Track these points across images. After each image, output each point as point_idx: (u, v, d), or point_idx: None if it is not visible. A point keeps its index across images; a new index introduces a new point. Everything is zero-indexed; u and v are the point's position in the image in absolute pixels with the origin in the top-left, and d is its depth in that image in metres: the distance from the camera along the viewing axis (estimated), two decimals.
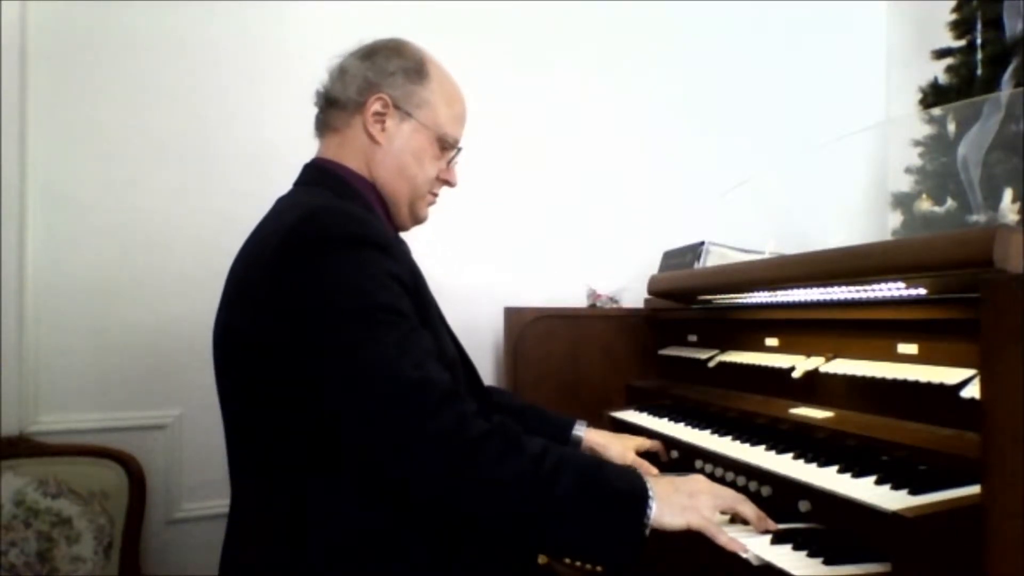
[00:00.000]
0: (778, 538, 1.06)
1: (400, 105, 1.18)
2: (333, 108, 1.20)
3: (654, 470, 1.41)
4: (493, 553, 1.03)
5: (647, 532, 0.93)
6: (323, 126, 1.23)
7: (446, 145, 1.24)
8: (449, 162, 1.27)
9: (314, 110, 1.21)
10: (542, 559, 1.07)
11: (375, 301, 0.94)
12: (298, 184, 1.22)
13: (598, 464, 1.00)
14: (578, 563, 1.08)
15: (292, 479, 0.98)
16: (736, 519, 1.08)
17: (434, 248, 1.82)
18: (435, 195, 1.28)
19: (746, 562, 1.03)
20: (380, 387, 0.89)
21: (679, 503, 0.99)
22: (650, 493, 0.95)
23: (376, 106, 1.17)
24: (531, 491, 0.90)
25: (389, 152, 1.18)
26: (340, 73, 1.21)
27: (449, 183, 1.29)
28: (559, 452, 0.96)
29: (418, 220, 1.27)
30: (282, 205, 1.14)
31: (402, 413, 0.89)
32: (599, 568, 1.03)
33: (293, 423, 0.97)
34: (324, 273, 0.94)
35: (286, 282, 0.95)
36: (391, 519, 0.96)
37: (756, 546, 1.01)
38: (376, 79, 1.18)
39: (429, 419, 0.89)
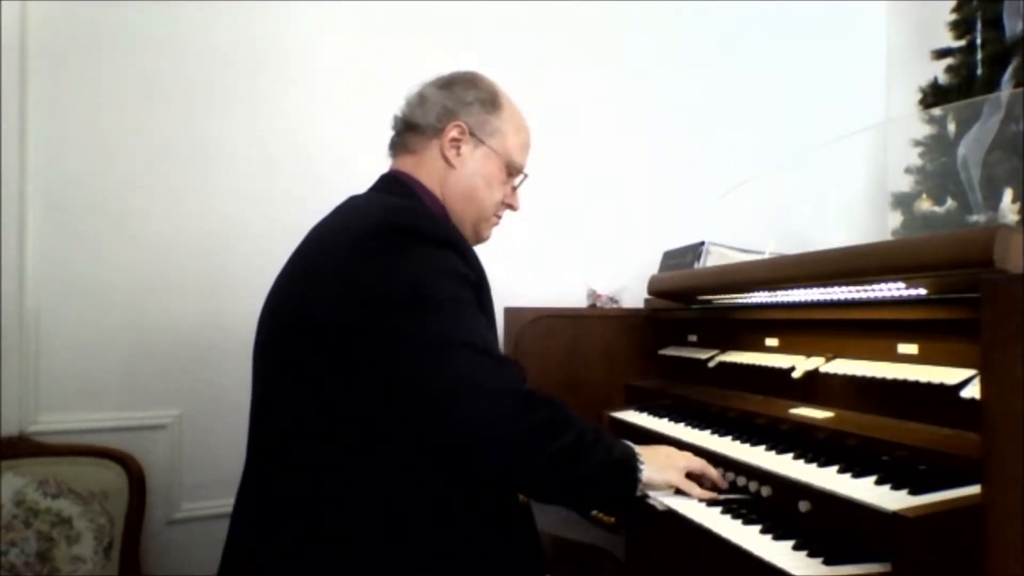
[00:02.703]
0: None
1: (475, 132, 1.28)
2: (411, 132, 1.29)
3: None
4: (505, 559, 1.10)
5: (640, 488, 1.16)
6: (399, 147, 1.32)
7: (513, 171, 1.34)
8: (515, 187, 1.37)
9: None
10: None
11: (453, 291, 1.04)
12: (374, 189, 1.29)
13: (607, 434, 1.15)
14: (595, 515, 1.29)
15: (332, 460, 1.02)
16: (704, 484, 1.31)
17: None
18: (499, 218, 1.38)
19: (745, 559, 1.05)
20: (465, 354, 0.99)
21: (659, 463, 1.22)
22: (640, 459, 1.16)
23: (453, 132, 1.26)
24: (577, 462, 1.06)
25: (462, 175, 1.27)
26: (420, 101, 1.30)
27: (512, 207, 1.39)
28: (591, 431, 1.11)
29: (480, 240, 1.36)
30: (361, 203, 1.21)
31: (493, 375, 1.00)
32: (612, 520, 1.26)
33: (353, 399, 1.02)
34: (414, 261, 1.03)
35: (375, 265, 1.02)
36: (424, 503, 1.02)
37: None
38: (455, 107, 1.27)
39: (512, 389, 1.00)
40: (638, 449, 1.18)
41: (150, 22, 1.98)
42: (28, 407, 1.85)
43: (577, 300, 2.36)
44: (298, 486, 1.05)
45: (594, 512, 1.22)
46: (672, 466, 1.24)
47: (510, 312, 2.14)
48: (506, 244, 2.43)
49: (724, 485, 1.31)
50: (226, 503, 1.90)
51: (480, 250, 2.51)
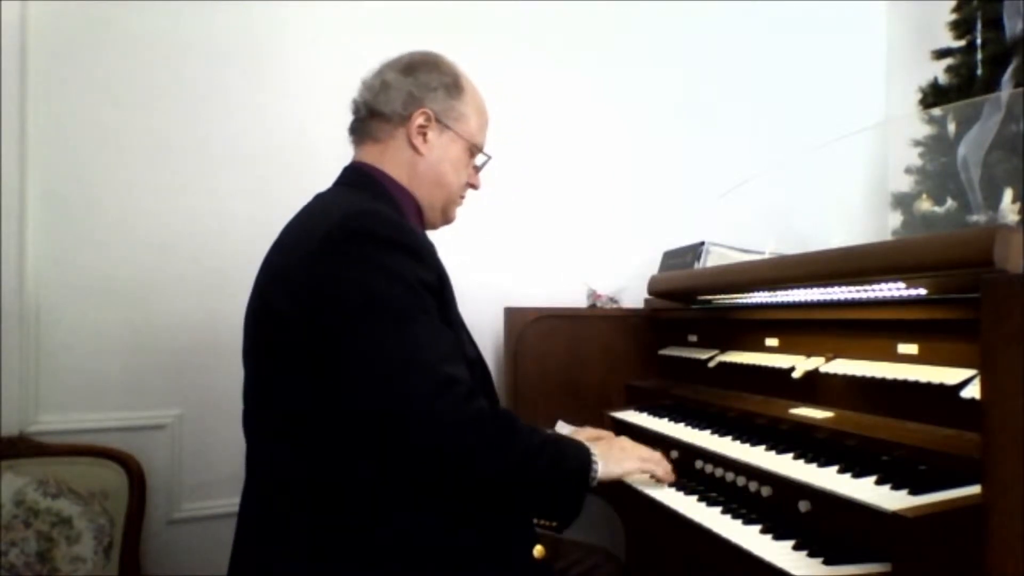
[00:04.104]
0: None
1: (441, 119, 1.28)
2: (376, 119, 1.28)
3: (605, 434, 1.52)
4: (496, 541, 1.11)
5: (590, 487, 1.15)
6: (363, 134, 1.30)
7: (474, 153, 1.35)
8: (477, 168, 1.38)
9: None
10: (538, 551, 1.14)
11: (408, 300, 1.03)
12: (339, 184, 1.28)
13: (561, 444, 1.16)
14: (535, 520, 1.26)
15: (317, 458, 1.04)
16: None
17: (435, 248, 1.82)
18: (463, 198, 1.39)
19: (745, 559, 1.05)
20: (410, 377, 0.99)
21: (615, 456, 1.24)
22: (594, 458, 1.15)
23: (420, 119, 1.26)
24: (521, 472, 1.06)
25: (430, 162, 1.28)
26: (383, 87, 1.28)
27: (474, 186, 1.40)
28: (541, 437, 1.11)
29: (448, 221, 1.38)
30: (325, 202, 1.21)
31: (434, 400, 0.99)
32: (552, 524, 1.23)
33: (320, 401, 1.03)
34: (366, 266, 1.03)
35: (329, 269, 1.03)
36: (405, 498, 1.03)
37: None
38: (420, 94, 1.27)
39: (455, 407, 1.00)
40: (593, 448, 1.19)
41: (150, 22, 1.98)
42: (28, 407, 1.85)
43: (577, 300, 2.36)
44: (273, 481, 1.09)
45: (536, 520, 1.22)
46: (628, 457, 1.27)
47: (510, 312, 2.14)
48: (506, 244, 2.45)
49: (672, 479, 1.37)
50: (226, 503, 1.92)
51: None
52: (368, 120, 1.29)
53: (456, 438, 1.00)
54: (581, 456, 1.15)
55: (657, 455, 1.35)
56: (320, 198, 1.24)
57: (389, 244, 1.05)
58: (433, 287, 1.09)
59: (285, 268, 1.10)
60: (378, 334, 1.00)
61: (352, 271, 1.02)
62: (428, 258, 1.10)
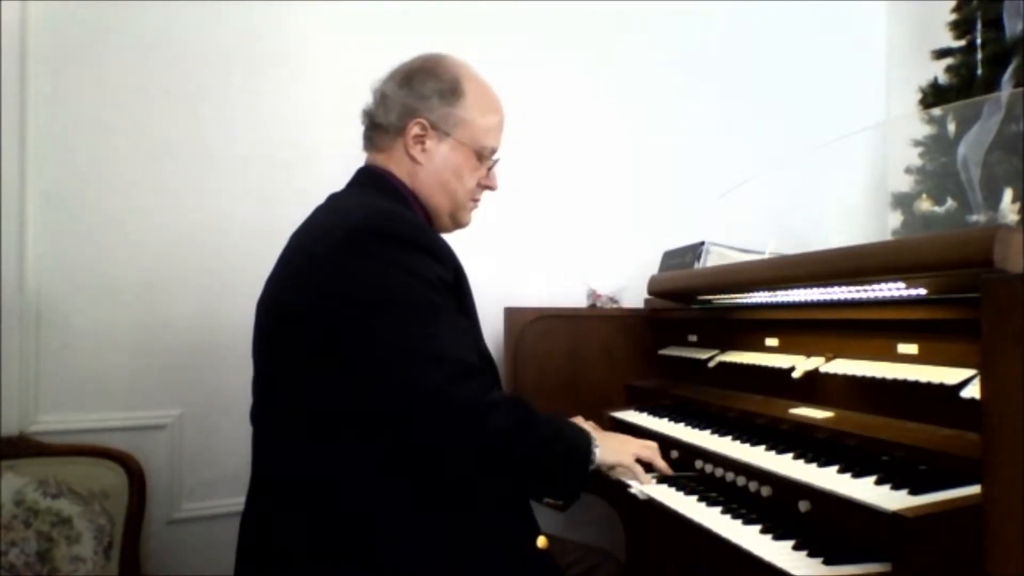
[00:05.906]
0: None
1: (438, 126, 1.27)
2: (377, 131, 1.30)
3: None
4: (500, 536, 1.13)
5: (590, 470, 1.22)
6: (370, 143, 1.33)
7: (484, 155, 1.33)
8: (489, 169, 1.36)
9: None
10: (542, 542, 1.18)
11: (427, 297, 1.06)
12: (352, 184, 1.30)
13: (568, 427, 1.23)
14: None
15: (324, 454, 1.05)
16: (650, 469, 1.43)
17: None
18: (476, 201, 1.38)
19: (745, 559, 1.05)
20: (432, 369, 1.02)
21: (612, 447, 1.31)
22: (594, 443, 1.22)
23: (415, 130, 1.26)
24: (542, 455, 1.11)
25: (430, 170, 1.28)
26: (381, 99, 1.30)
27: (490, 188, 1.38)
28: (550, 425, 1.16)
29: (460, 225, 1.37)
30: (341, 201, 1.23)
31: (456, 390, 1.02)
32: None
33: (332, 397, 1.05)
34: (386, 265, 1.05)
35: (350, 267, 1.05)
36: (414, 494, 1.06)
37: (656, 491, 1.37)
38: (414, 104, 1.26)
39: (476, 396, 1.04)
40: (594, 433, 1.26)
41: (150, 22, 1.98)
42: (28, 407, 1.85)
43: (577, 300, 2.36)
44: (279, 476, 1.11)
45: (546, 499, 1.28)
46: (624, 451, 1.34)
47: (510, 312, 2.14)
48: (506, 244, 2.45)
49: (669, 472, 1.43)
50: (226, 503, 1.92)
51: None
52: (372, 131, 1.31)
53: (480, 426, 1.03)
54: (584, 439, 1.22)
55: (653, 445, 1.42)
56: (335, 198, 1.26)
57: (409, 244, 1.08)
58: (451, 284, 1.12)
59: (302, 265, 1.12)
60: (397, 329, 1.02)
61: (372, 270, 1.05)
62: (446, 256, 1.13)
